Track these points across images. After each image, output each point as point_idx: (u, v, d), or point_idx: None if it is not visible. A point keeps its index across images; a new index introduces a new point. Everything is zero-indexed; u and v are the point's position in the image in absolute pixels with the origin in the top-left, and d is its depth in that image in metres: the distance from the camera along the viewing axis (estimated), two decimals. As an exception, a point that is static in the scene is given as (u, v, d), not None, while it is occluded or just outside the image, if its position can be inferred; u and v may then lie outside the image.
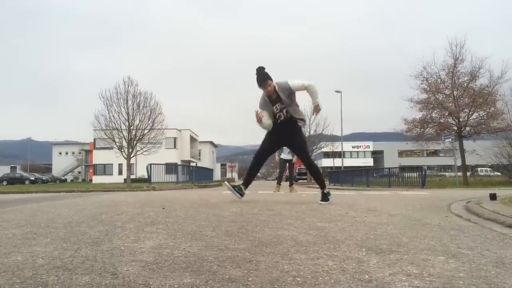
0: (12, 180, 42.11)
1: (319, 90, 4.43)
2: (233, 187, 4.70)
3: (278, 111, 4.47)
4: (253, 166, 4.77)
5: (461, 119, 19.22)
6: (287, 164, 10.30)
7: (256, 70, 4.42)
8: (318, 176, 4.68)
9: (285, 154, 9.84)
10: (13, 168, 66.69)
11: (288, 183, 10.75)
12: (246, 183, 4.77)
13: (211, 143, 68.38)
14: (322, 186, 4.54)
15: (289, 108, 4.45)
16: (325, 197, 4.42)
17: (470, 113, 19.33)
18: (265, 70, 4.40)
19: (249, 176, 4.81)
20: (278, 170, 10.92)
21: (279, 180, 10.25)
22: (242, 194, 4.65)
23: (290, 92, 4.42)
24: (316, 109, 4.50)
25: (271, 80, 4.40)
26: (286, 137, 4.63)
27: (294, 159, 9.97)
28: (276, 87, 4.39)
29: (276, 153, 10.00)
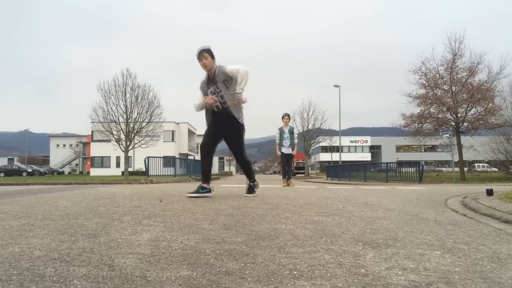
0: (10, 172, 42.10)
1: (249, 81, 4.22)
2: (197, 191, 4.41)
3: (211, 94, 4.34)
4: (203, 161, 4.56)
5: (459, 115, 19.27)
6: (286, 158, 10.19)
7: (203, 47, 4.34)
8: (248, 169, 4.71)
9: (286, 148, 9.80)
10: (10, 160, 66.56)
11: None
12: (206, 179, 4.49)
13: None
14: (250, 179, 4.64)
15: (224, 95, 4.27)
16: (251, 189, 4.61)
17: (468, 108, 19.39)
18: (211, 50, 4.30)
19: (205, 171, 4.53)
20: (281, 165, 10.79)
21: (285, 174, 9.95)
22: (209, 191, 4.44)
23: (226, 78, 4.25)
24: (232, 96, 4.23)
25: (213, 58, 4.28)
26: (224, 130, 4.46)
27: (293, 152, 9.93)
28: (217, 69, 4.29)
29: (277, 147, 9.97)
